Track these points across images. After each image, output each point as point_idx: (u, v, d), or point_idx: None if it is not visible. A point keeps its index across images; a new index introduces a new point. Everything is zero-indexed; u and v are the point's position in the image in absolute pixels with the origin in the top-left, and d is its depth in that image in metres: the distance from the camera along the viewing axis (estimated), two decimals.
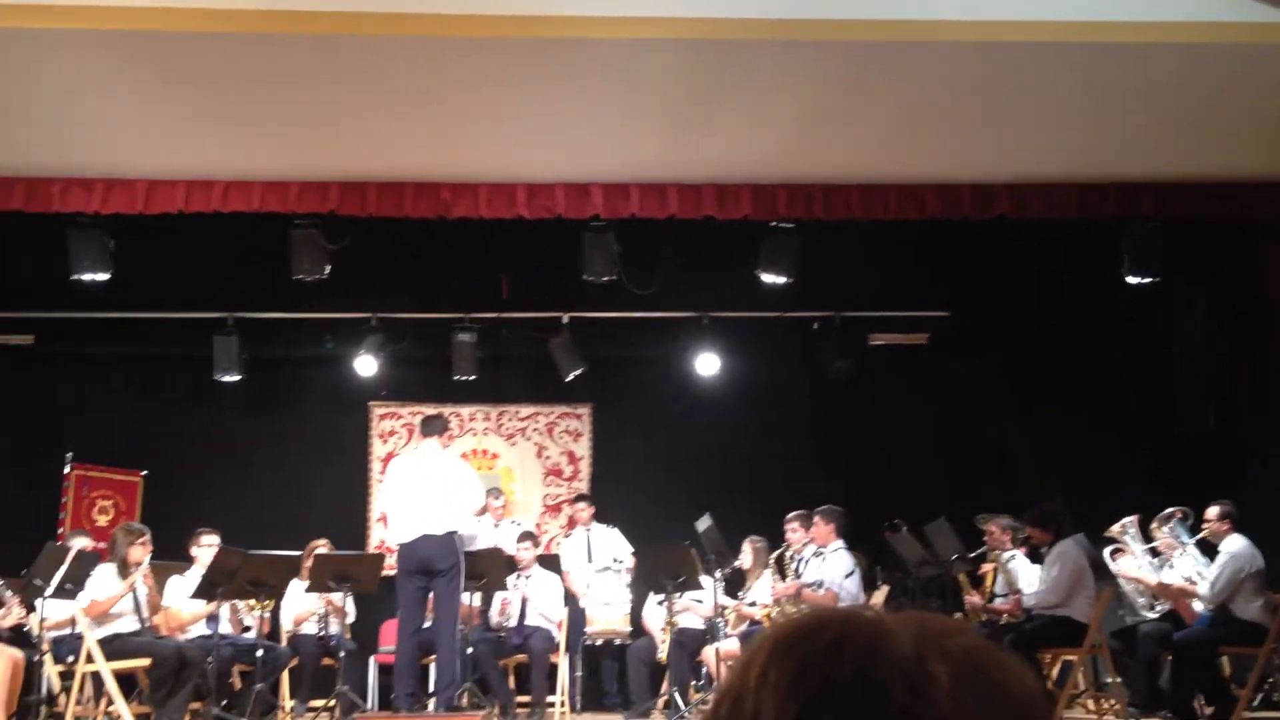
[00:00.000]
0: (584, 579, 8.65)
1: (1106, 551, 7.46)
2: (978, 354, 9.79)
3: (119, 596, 7.04)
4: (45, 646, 6.82)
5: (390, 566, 7.94)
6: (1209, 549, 7.07)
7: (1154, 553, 7.35)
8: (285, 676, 8.09)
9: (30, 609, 6.98)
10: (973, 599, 7.56)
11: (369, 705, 8.49)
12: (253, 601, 7.59)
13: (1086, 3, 5.52)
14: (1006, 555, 7.59)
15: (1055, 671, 7.60)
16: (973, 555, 7.68)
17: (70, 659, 6.99)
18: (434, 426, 7.53)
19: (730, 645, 7.56)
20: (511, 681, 8.42)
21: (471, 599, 7.72)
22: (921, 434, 9.92)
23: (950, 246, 8.36)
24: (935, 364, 10.12)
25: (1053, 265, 8.74)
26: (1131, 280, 7.55)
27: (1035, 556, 7.62)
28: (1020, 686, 0.77)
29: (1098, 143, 6.65)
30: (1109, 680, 7.33)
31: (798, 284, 7.69)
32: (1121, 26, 5.53)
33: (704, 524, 7.56)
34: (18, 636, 7.13)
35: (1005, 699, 0.75)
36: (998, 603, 7.53)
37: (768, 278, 7.58)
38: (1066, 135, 6.55)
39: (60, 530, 9.28)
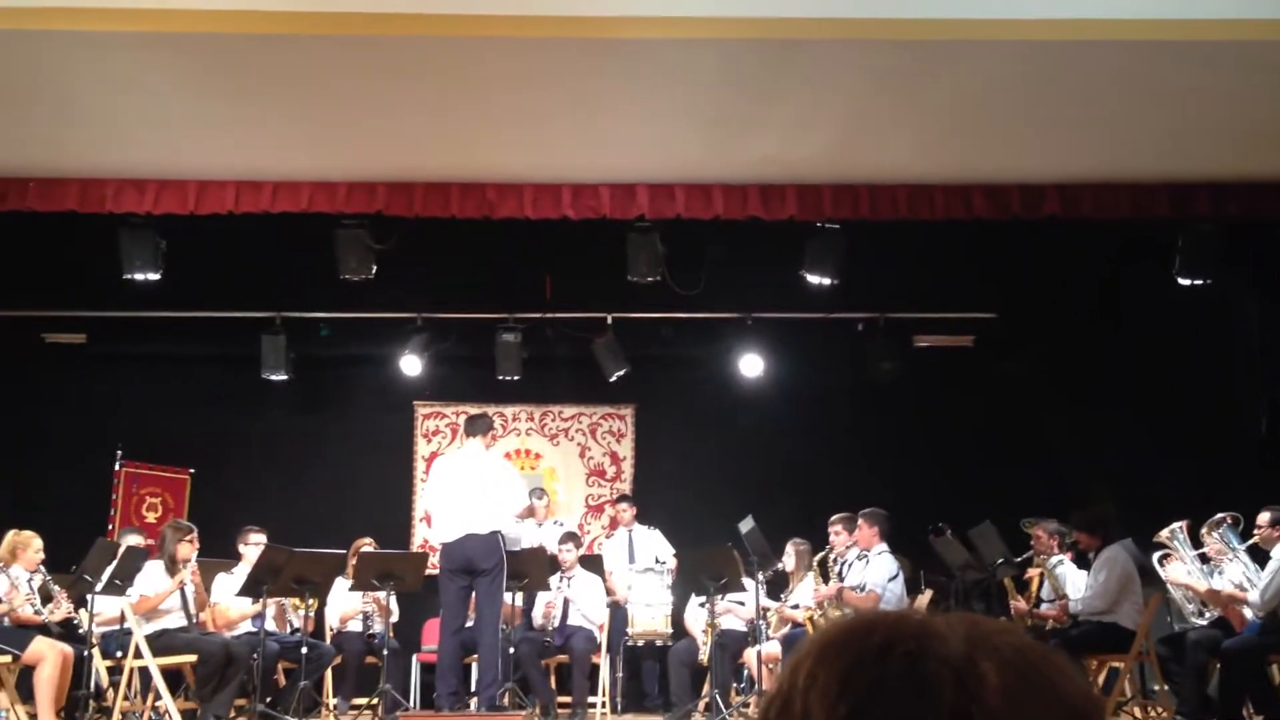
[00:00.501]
0: (626, 580, 8.65)
1: (1155, 557, 7.36)
2: (1024, 356, 9.70)
3: (168, 593, 7.12)
4: (94, 641, 6.92)
5: (433, 566, 7.98)
6: (1260, 555, 6.95)
7: (1203, 559, 7.24)
8: (329, 674, 8.16)
9: (80, 604, 7.09)
10: (1018, 604, 7.49)
11: (411, 703, 8.54)
12: (297, 600, 7.65)
13: (1134, 1, 5.45)
14: (1053, 560, 7.51)
15: (1101, 678, 7.51)
16: (1018, 560, 7.60)
17: (118, 654, 7.09)
18: (479, 426, 7.56)
19: (772, 648, 7.53)
20: (553, 681, 8.43)
21: (514, 599, 7.75)
22: (967, 436, 9.85)
23: (997, 247, 8.29)
24: (981, 366, 10.04)
25: (1102, 266, 8.63)
26: (1184, 282, 7.44)
27: (1082, 561, 7.53)
28: (1071, 685, 0.77)
29: (1150, 142, 6.55)
30: (1156, 688, 7.23)
31: (842, 285, 7.64)
32: (1173, 24, 5.45)
33: (746, 525, 7.54)
34: (67, 631, 7.23)
35: (1056, 696, 0.75)
36: (1044, 608, 7.45)
37: (813, 278, 7.54)
38: (1118, 134, 6.46)
39: (110, 527, 9.42)
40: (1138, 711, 7.54)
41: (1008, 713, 0.72)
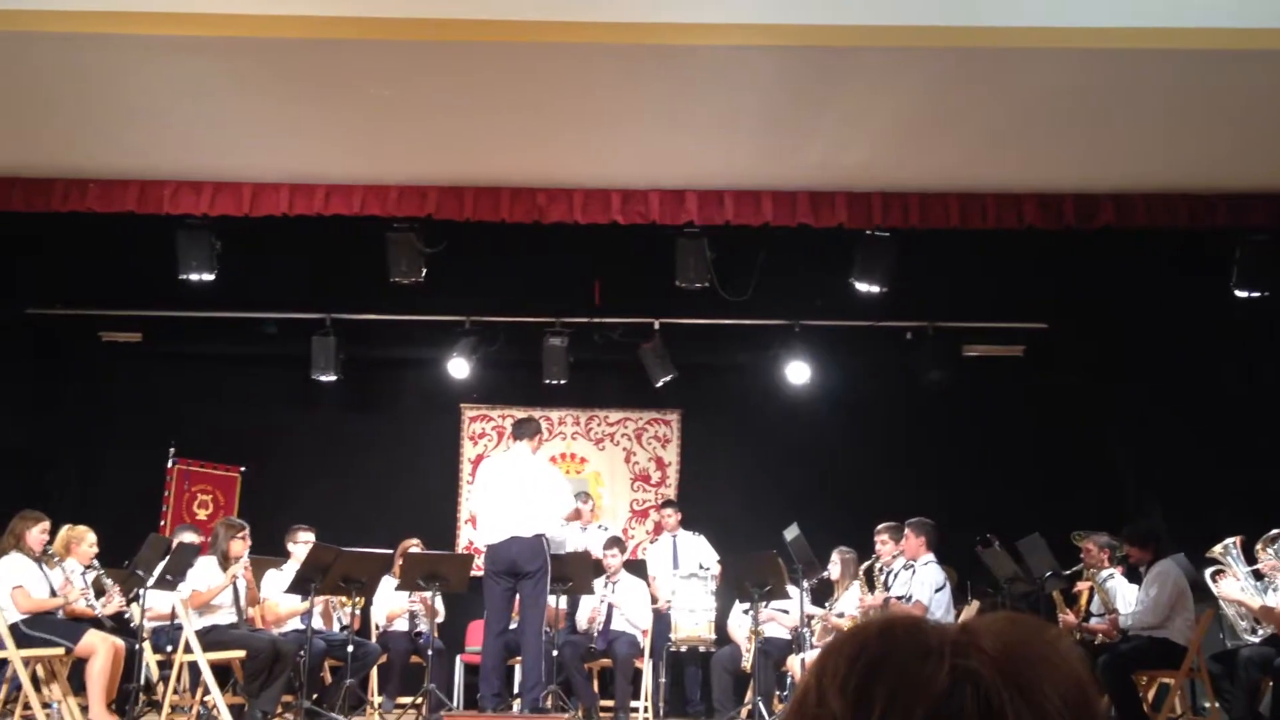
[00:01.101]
0: (669, 585, 8.65)
1: (1208, 573, 7.25)
2: (1076, 367, 9.59)
3: (220, 589, 7.22)
4: (145, 635, 7.02)
5: (478, 568, 8.02)
6: None
7: (1257, 575, 7.12)
8: (374, 672, 8.22)
9: (132, 599, 7.20)
10: (1067, 618, 7.40)
11: (455, 703, 8.59)
12: (344, 598, 7.72)
13: (1192, 9, 5.38)
14: (1103, 574, 7.42)
15: (1151, 694, 7.41)
16: (1068, 573, 7.51)
17: (169, 649, 7.19)
18: (526, 430, 7.59)
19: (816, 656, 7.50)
20: (595, 685, 8.45)
21: (558, 602, 7.77)
22: (1016, 447, 9.76)
23: (1049, 256, 8.21)
24: (1031, 376, 9.94)
25: (1156, 277, 8.51)
26: (1240, 294, 7.33)
27: (1133, 576, 7.43)
28: (1067, 647, 0.83)
29: (1207, 151, 6.47)
30: (1207, 705, 7.12)
31: (891, 293, 7.61)
32: (1229, 33, 5.37)
33: (792, 533, 7.51)
34: (119, 625, 7.35)
35: (1052, 651, 0.82)
36: (1093, 622, 7.36)
37: (862, 286, 7.51)
38: (1174, 143, 6.38)
39: (162, 523, 9.56)
40: None
41: (1008, 666, 0.78)
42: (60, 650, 6.75)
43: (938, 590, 7.38)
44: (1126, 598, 7.26)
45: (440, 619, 8.36)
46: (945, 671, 0.78)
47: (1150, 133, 6.29)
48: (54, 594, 6.92)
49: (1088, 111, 6.07)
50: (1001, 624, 0.83)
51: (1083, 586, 7.70)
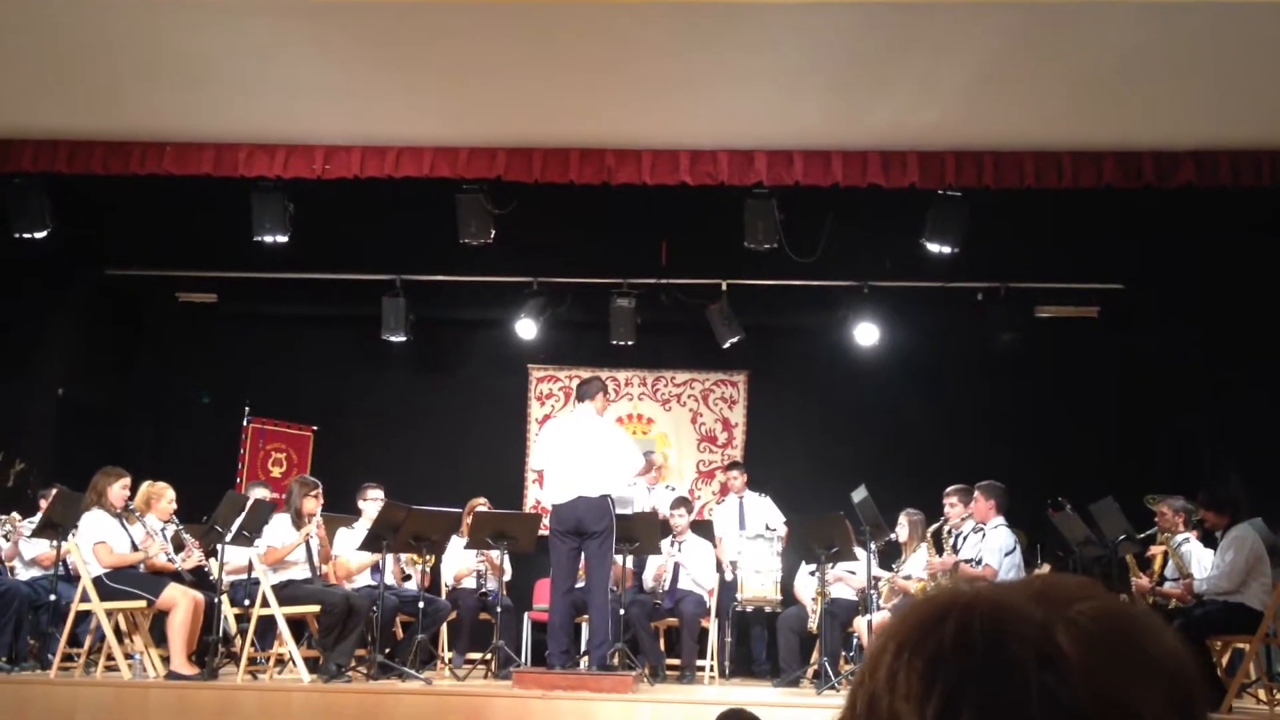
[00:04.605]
0: (735, 546, 8.67)
1: None
2: (1152, 329, 9.41)
3: (294, 545, 7.36)
4: (223, 589, 7.19)
5: (545, 527, 8.10)
6: None
7: None
8: (444, 629, 8.36)
9: (210, 553, 7.37)
10: (1140, 582, 7.31)
11: (523, 660, 8.71)
12: (414, 556, 7.84)
13: None
14: (1178, 538, 7.31)
15: (1225, 659, 7.31)
16: (1141, 536, 7.41)
17: (246, 602, 7.36)
18: (590, 390, 7.61)
19: (883, 617, 7.48)
20: (662, 644, 8.52)
21: (625, 561, 7.82)
22: (1089, 410, 9.62)
23: (1125, 216, 8.04)
24: (1106, 338, 9.78)
25: (1237, 239, 8.30)
26: None
27: (1208, 540, 7.31)
28: (1161, 646, 0.74)
29: None
30: None
31: (963, 253, 7.50)
32: None
33: (859, 495, 7.48)
34: (198, 579, 7.53)
35: (1145, 661, 0.73)
36: (1167, 586, 7.26)
37: (933, 247, 7.41)
38: (1259, 99, 6.21)
39: (238, 480, 9.77)
40: (1262, 694, 7.32)
41: (1096, 684, 0.70)
42: (142, 603, 6.94)
43: (1007, 554, 7.32)
44: (1202, 562, 7.15)
45: (508, 577, 8.46)
46: (1036, 704, 0.70)
47: (1232, 87, 6.12)
48: (135, 549, 7.10)
49: (1168, 66, 5.92)
50: (1091, 618, 0.73)
51: (1156, 550, 7.59)
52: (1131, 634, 0.74)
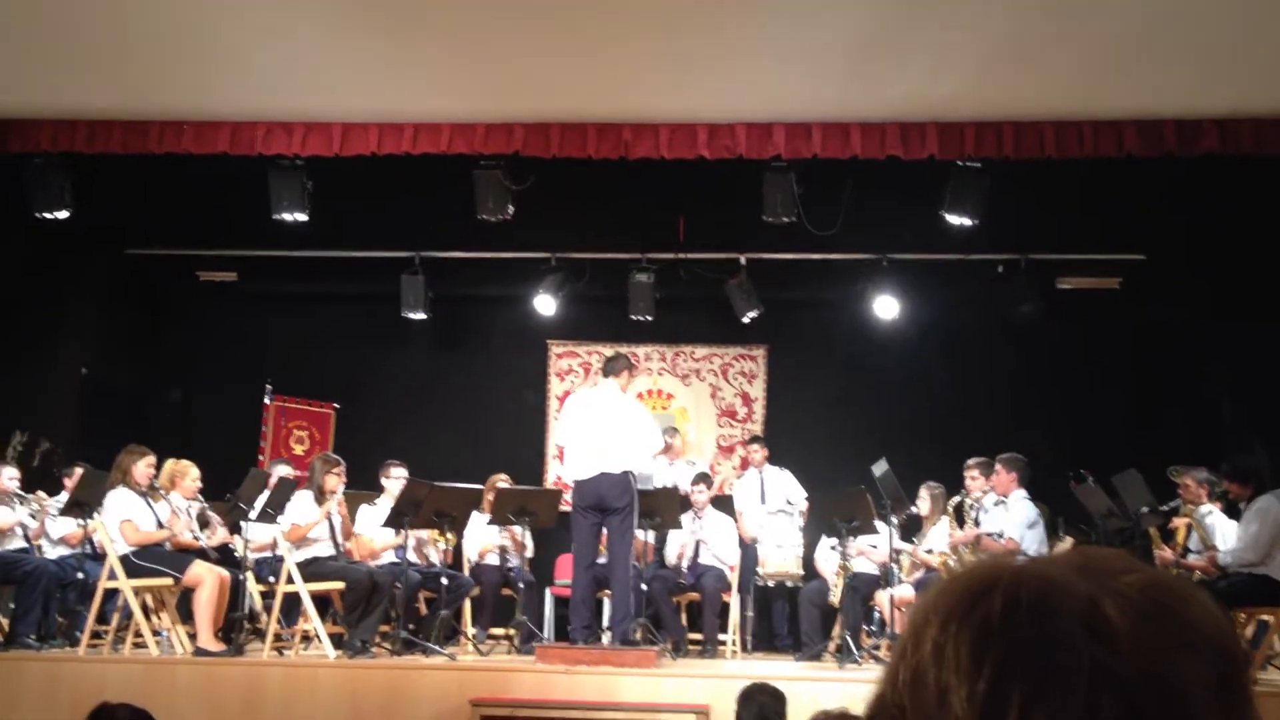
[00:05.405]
0: (757, 520, 8.68)
1: None
2: (1175, 300, 9.33)
3: (316, 522, 7.40)
4: (248, 566, 7.25)
5: (567, 503, 8.12)
6: None
7: None
8: (467, 604, 8.40)
9: (235, 531, 7.42)
10: (1164, 554, 7.28)
11: (546, 635, 8.75)
12: (436, 533, 7.87)
13: None
14: (1202, 510, 7.27)
15: (1250, 632, 7.28)
16: (1164, 509, 7.37)
17: (271, 579, 7.41)
18: (616, 366, 7.60)
19: (905, 591, 7.49)
20: (684, 619, 8.54)
21: (646, 536, 7.84)
22: (1111, 382, 9.57)
23: (1147, 186, 7.96)
24: (1128, 309, 9.71)
25: (1261, 209, 8.21)
26: None
27: (1232, 512, 7.27)
28: (1202, 614, 0.74)
29: None
30: None
31: (982, 225, 7.45)
32: None
33: (880, 468, 7.47)
34: (224, 557, 7.59)
35: (1189, 629, 0.73)
36: (1190, 559, 7.23)
37: (953, 219, 7.37)
38: None
39: (260, 458, 9.82)
40: None
41: (1144, 657, 0.70)
42: (169, 580, 7.00)
43: (1030, 526, 7.31)
44: (1225, 534, 7.11)
45: (530, 553, 8.49)
46: (1086, 675, 0.69)
47: (1257, 54, 6.04)
48: (161, 526, 7.15)
49: (1190, 34, 5.85)
50: (1138, 590, 0.73)
51: (1179, 523, 7.55)
52: (1176, 606, 0.73)
